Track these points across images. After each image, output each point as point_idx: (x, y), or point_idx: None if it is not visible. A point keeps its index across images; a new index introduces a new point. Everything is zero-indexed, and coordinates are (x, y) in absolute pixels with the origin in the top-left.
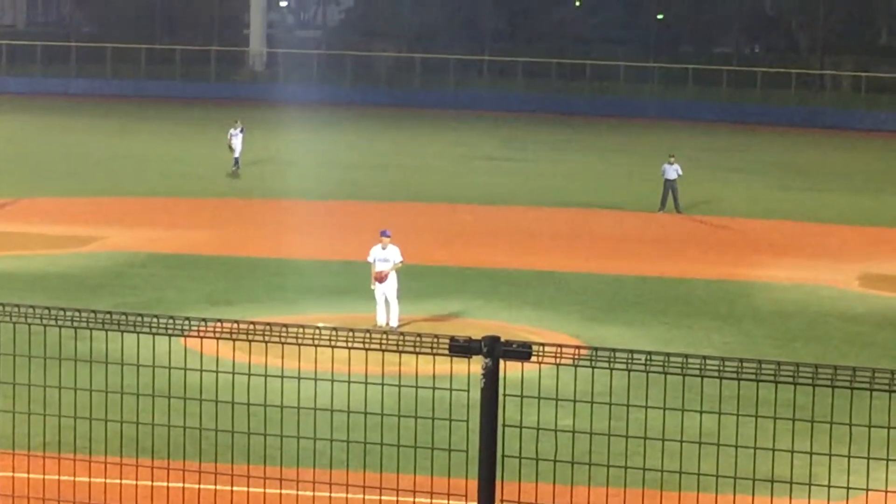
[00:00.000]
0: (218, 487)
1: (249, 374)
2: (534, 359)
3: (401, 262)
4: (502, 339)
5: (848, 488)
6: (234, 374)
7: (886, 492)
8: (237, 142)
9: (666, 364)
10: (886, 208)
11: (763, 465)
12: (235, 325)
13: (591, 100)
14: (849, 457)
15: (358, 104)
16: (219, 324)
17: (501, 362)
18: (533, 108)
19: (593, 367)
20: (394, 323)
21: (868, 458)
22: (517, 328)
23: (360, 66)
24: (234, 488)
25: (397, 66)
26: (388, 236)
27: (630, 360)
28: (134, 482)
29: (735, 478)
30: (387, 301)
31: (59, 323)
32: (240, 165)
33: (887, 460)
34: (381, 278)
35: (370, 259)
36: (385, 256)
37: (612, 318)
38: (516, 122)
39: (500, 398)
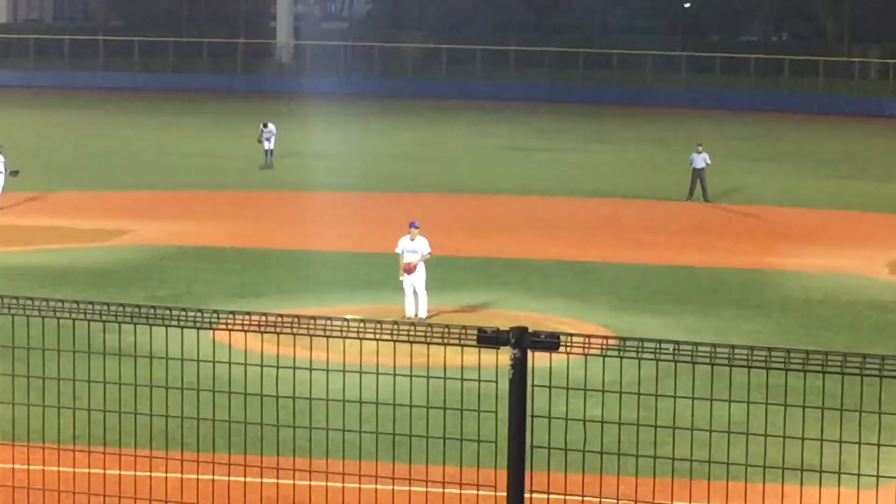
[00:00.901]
0: (248, 479)
1: (278, 367)
2: (562, 349)
3: (429, 253)
4: (530, 330)
5: (878, 476)
6: (262, 366)
7: None
8: (270, 140)
9: (694, 353)
10: None
11: (792, 453)
12: (264, 318)
13: (618, 89)
14: (878, 445)
15: (385, 96)
16: (247, 316)
17: (530, 353)
18: (560, 99)
19: (622, 357)
20: (423, 314)
21: None
22: (546, 318)
23: (387, 58)
24: (264, 480)
25: (424, 57)
26: (417, 227)
27: (658, 350)
28: (164, 475)
29: (764, 466)
30: (415, 292)
31: (88, 316)
32: (273, 157)
33: None
34: (410, 269)
35: (398, 250)
36: (413, 248)
37: (641, 307)
38: (543, 113)
39: (529, 389)
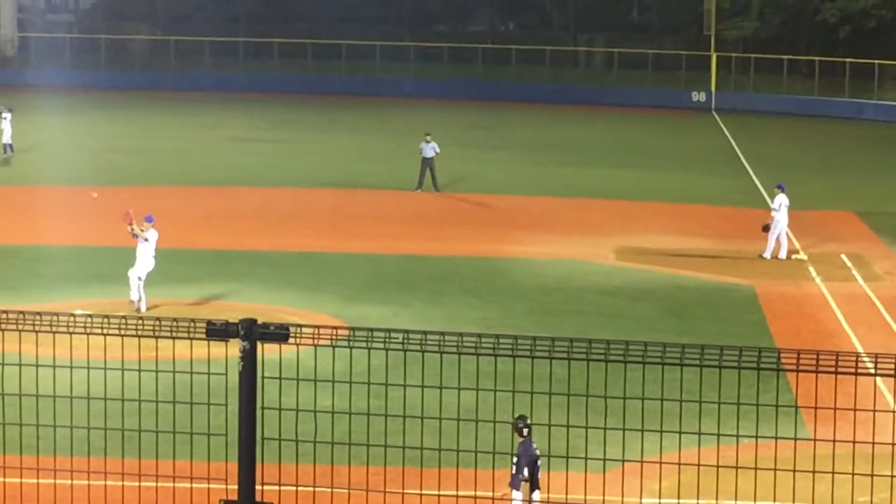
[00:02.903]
0: None
1: (3, 364)
2: (292, 340)
3: (146, 240)
4: (260, 322)
5: (605, 460)
6: None
7: (642, 462)
8: (6, 127)
9: (423, 342)
10: (640, 182)
11: None
12: None
13: (347, 80)
14: (605, 429)
15: (113, 88)
16: None
17: (259, 345)
18: (290, 90)
19: (351, 347)
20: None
21: (623, 430)
22: (276, 310)
23: (113, 50)
24: None
25: (152, 48)
26: (151, 221)
27: (388, 339)
28: None
29: (494, 452)
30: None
31: None
32: (13, 151)
33: (642, 431)
34: (129, 218)
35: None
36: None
37: (373, 297)
38: (273, 104)
39: (259, 381)
